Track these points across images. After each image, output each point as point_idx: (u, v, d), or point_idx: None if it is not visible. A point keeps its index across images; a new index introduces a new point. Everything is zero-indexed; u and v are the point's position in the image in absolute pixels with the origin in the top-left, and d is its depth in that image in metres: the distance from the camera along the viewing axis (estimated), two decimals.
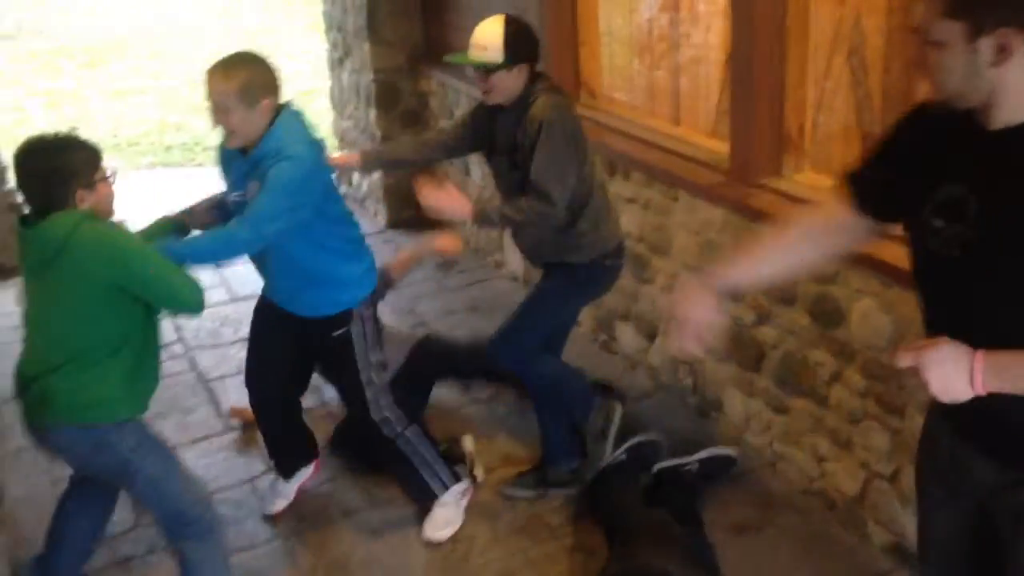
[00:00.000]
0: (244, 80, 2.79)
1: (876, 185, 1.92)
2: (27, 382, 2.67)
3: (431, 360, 4.01)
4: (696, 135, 3.94)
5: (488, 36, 3.05)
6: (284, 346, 3.30)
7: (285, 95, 2.95)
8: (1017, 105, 1.63)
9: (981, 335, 1.63)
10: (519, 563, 3.21)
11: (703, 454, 3.50)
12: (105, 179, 2.67)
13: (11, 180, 5.73)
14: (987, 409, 1.66)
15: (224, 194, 3.09)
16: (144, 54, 11.82)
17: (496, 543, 3.31)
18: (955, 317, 1.76)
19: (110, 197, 2.70)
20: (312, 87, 10.26)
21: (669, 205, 3.85)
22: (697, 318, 2.00)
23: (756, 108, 3.33)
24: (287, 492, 3.52)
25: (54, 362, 2.59)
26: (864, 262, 2.84)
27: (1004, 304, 1.68)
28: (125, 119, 9.47)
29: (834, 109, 3.24)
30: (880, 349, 2.93)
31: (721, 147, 3.67)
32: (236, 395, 4.22)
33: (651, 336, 4.15)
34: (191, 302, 2.64)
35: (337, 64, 6.49)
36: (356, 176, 6.59)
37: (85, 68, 11.49)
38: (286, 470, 3.54)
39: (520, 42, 3.07)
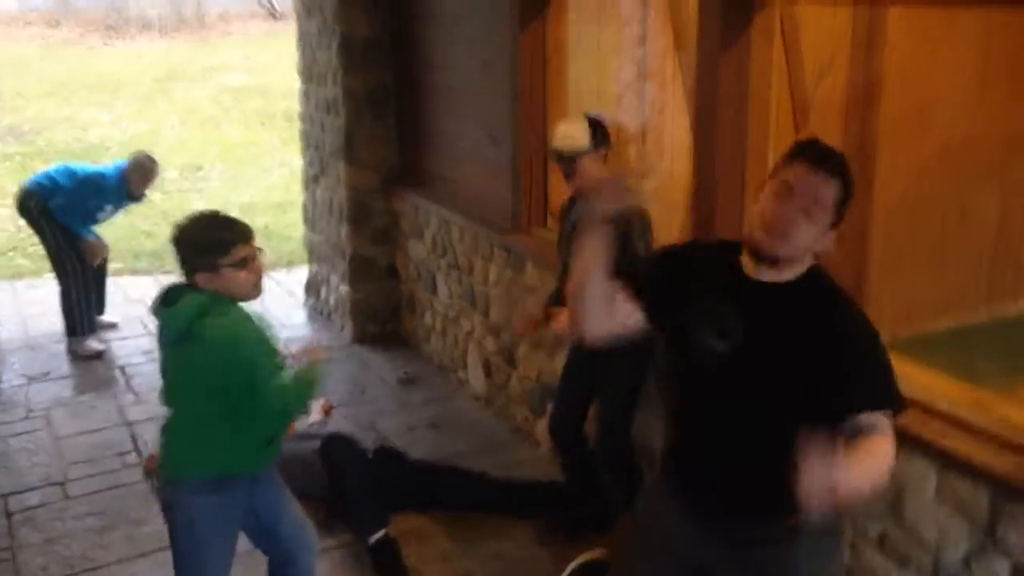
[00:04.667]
0: None
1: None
2: None
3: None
4: None
5: (575, 129, 3.52)
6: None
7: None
8: (796, 270, 2.11)
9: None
10: None
11: (572, 566, 3.51)
12: (236, 264, 2.72)
13: None
14: (718, 480, 2.17)
15: None
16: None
17: None
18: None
19: (238, 283, 2.75)
20: (285, 200, 10.41)
21: None
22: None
23: None
24: None
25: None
26: None
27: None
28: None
29: None
30: None
31: None
32: None
33: None
34: (277, 413, 2.87)
35: (312, 181, 6.63)
36: (323, 290, 6.65)
37: None
38: None
39: (600, 132, 3.55)
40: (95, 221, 6.07)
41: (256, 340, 2.79)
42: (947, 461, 2.56)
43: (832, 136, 4.59)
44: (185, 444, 2.85)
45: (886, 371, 2.09)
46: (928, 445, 2.59)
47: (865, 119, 4.59)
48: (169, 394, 2.90)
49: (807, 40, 4.47)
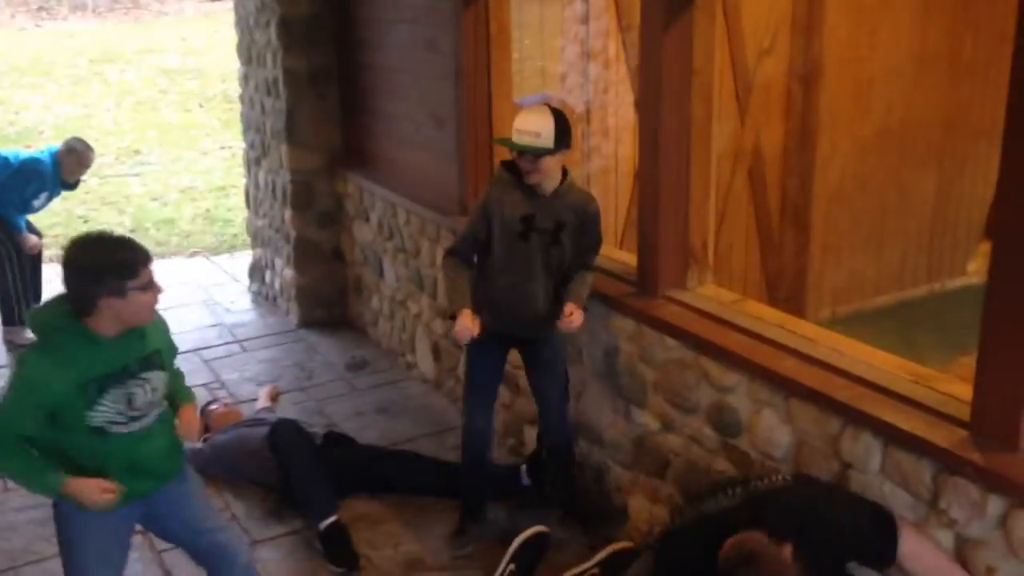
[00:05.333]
0: None
1: None
2: None
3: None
4: (605, 246, 4.05)
5: (540, 124, 3.30)
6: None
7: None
8: None
9: None
10: None
11: (602, 555, 3.52)
12: (143, 287, 2.59)
13: None
14: None
15: None
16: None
17: None
18: None
19: (142, 306, 2.62)
20: (226, 183, 10.25)
21: None
22: None
23: (661, 225, 3.47)
24: None
25: None
26: (762, 375, 2.95)
27: None
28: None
29: (735, 225, 3.40)
30: (778, 459, 3.01)
31: (629, 258, 3.79)
32: None
33: None
34: None
35: (254, 163, 6.53)
36: (268, 274, 6.57)
37: None
38: None
39: (564, 130, 3.35)
40: (31, 209, 5.93)
41: (20, 387, 2.61)
42: (890, 436, 2.61)
43: (774, 116, 4.65)
44: None
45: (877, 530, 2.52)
46: (872, 420, 2.63)
47: (806, 100, 4.65)
48: None
49: (748, 20, 4.52)
